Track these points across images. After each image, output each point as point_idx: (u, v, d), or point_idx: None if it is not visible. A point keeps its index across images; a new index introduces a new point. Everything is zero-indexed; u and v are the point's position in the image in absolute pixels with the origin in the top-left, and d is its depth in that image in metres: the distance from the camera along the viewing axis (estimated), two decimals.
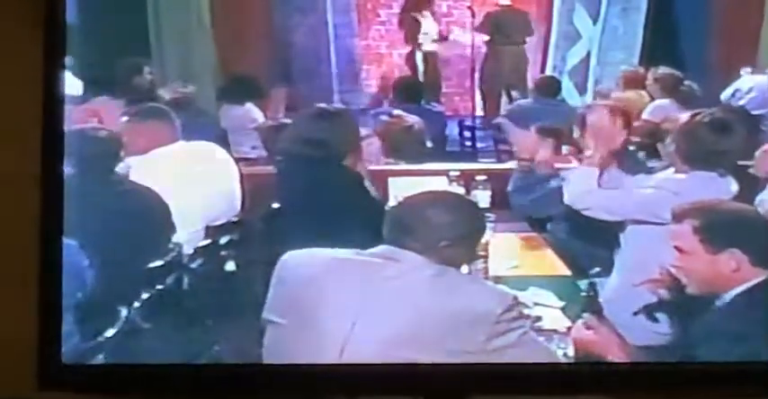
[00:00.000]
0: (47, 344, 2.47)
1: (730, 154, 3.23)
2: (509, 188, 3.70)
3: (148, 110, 3.82)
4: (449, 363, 2.33)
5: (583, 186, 3.28)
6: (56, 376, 2.48)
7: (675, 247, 2.61)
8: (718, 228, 2.57)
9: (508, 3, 6.67)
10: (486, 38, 6.57)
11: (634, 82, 5.59)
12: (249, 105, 5.15)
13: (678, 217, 2.62)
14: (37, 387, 2.47)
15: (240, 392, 2.57)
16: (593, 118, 3.47)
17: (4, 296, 2.51)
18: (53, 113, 2.51)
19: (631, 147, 3.71)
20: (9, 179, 2.53)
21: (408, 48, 6.70)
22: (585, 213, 3.26)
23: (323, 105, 3.76)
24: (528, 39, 6.56)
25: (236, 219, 3.54)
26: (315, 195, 3.40)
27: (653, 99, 5.36)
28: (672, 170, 3.29)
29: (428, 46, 6.60)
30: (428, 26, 6.64)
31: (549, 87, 5.72)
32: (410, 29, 6.72)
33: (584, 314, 2.61)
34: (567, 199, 3.32)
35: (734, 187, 3.17)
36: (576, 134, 3.63)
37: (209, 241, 3.28)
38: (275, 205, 3.60)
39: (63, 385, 2.48)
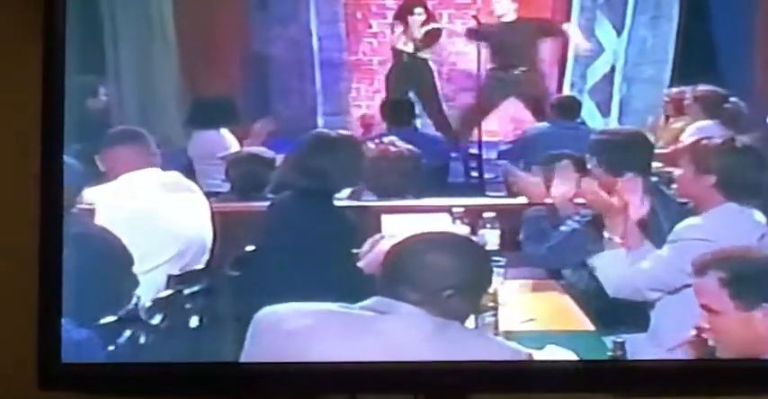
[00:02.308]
0: (46, 344, 2.70)
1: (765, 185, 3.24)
2: (520, 237, 3.68)
3: (119, 135, 3.82)
4: (449, 361, 2.37)
5: (614, 273, 3.30)
6: (55, 376, 2.70)
7: (702, 306, 2.55)
8: (747, 280, 2.51)
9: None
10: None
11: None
12: (224, 131, 5.14)
13: (700, 270, 2.56)
14: (36, 387, 2.69)
15: (239, 391, 2.72)
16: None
17: (3, 296, 2.79)
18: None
19: (654, 179, 3.69)
20: (10, 181, 2.85)
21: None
22: (629, 298, 3.28)
23: (323, 130, 3.74)
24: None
25: (201, 266, 3.51)
26: (299, 237, 3.38)
27: None
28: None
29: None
30: (406, 36, 6.55)
31: (568, 109, 5.67)
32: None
33: None
34: (609, 292, 3.32)
35: (763, 219, 3.18)
36: (590, 164, 3.62)
37: (170, 291, 3.25)
38: (249, 248, 3.57)
39: (62, 385, 2.72)
